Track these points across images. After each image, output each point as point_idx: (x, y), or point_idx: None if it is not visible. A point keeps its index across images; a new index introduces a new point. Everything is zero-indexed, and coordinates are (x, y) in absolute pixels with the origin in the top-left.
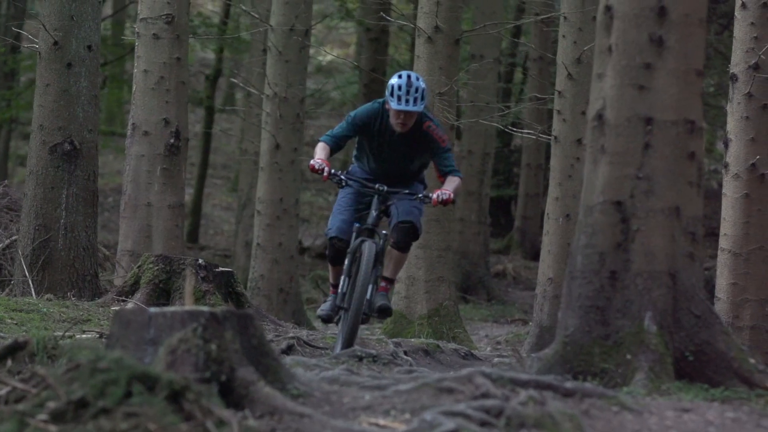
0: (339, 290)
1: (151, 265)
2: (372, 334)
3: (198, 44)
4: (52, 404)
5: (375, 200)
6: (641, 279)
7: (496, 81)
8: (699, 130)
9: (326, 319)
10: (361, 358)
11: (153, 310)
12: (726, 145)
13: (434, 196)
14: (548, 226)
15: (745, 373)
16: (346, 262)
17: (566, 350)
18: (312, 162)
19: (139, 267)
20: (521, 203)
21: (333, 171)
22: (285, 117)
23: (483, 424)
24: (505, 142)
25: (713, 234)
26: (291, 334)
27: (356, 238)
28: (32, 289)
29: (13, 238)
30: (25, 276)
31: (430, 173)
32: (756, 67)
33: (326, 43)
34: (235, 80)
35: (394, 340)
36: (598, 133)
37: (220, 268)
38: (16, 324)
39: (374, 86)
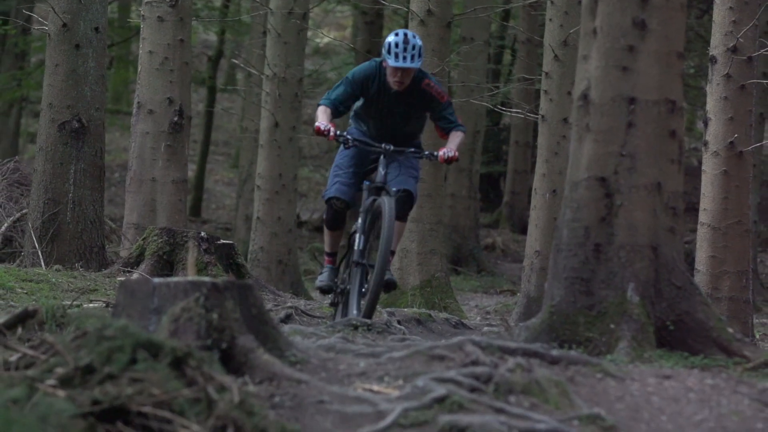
0: (355, 247)
1: (155, 238)
2: None
3: (201, 26)
4: (60, 370)
5: (382, 159)
6: (624, 252)
7: (485, 62)
8: (680, 109)
9: (326, 290)
10: (356, 327)
11: (157, 280)
12: (705, 124)
13: (440, 153)
14: (535, 201)
15: (723, 342)
16: (360, 220)
17: (552, 320)
18: (317, 124)
19: (143, 239)
20: (510, 179)
21: (338, 132)
22: (284, 96)
23: (473, 390)
24: (494, 121)
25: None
26: (289, 304)
27: (368, 197)
28: (42, 261)
29: (24, 211)
30: (35, 248)
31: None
32: (734, 50)
33: (323, 26)
34: (236, 61)
35: (388, 309)
36: (584, 112)
37: (222, 241)
38: (26, 293)
39: None
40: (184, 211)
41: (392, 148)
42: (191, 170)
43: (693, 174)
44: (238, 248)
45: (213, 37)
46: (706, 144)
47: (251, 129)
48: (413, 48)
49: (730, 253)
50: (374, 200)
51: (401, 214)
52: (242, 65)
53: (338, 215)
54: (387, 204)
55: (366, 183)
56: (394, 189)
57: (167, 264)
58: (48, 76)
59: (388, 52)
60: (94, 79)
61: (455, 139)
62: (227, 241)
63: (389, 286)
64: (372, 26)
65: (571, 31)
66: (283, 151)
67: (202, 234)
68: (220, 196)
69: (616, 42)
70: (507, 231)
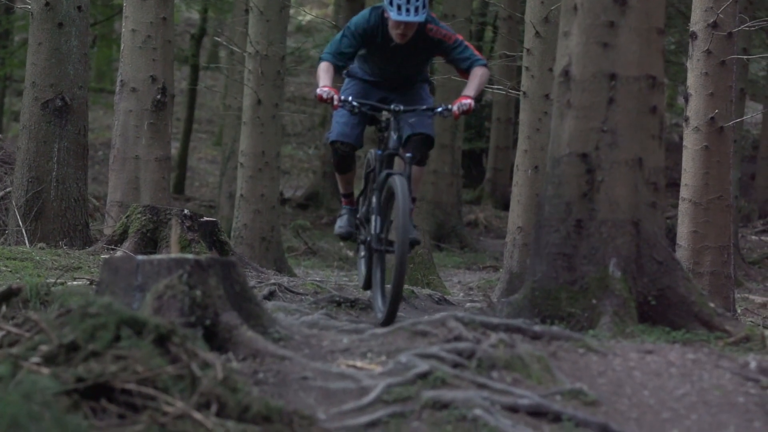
0: (372, 230)
1: (139, 216)
2: (350, 280)
3: (183, 5)
4: (44, 347)
5: (392, 121)
6: (606, 227)
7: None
8: (660, 85)
9: (346, 236)
10: (339, 303)
11: (140, 258)
12: (686, 100)
13: (454, 108)
14: (517, 178)
15: (705, 316)
16: (374, 198)
17: (535, 295)
18: (318, 91)
19: (127, 217)
20: (492, 156)
21: (342, 98)
22: (266, 74)
23: (455, 365)
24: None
25: (674, 184)
26: (272, 281)
27: (380, 170)
28: (26, 239)
29: (8, 189)
30: (19, 226)
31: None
32: (714, 26)
33: (306, 4)
34: (218, 39)
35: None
36: (565, 88)
37: (205, 218)
38: (10, 271)
39: None
40: (168, 188)
41: (402, 108)
42: (174, 148)
43: (674, 149)
44: (222, 226)
45: (195, 15)
46: (687, 119)
47: (234, 107)
48: None
49: (711, 228)
50: (389, 175)
51: (420, 158)
52: (225, 43)
53: (345, 159)
54: (399, 185)
55: (377, 153)
56: (410, 133)
57: (151, 241)
58: (31, 54)
59: (390, 3)
60: (77, 57)
61: (474, 80)
62: (211, 219)
63: (414, 244)
64: (354, 3)
65: (552, 7)
66: (266, 128)
67: (186, 211)
68: (204, 174)
69: (597, 18)
70: (489, 207)
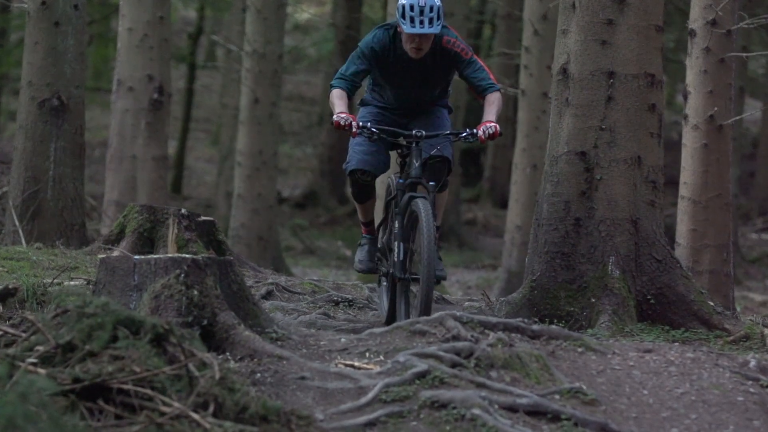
0: (395, 258)
1: (136, 215)
2: (348, 279)
3: (180, 3)
4: (41, 348)
5: (414, 149)
6: (604, 226)
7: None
8: (659, 83)
9: (366, 272)
10: (337, 303)
11: (137, 257)
12: (685, 98)
13: (480, 132)
14: (516, 176)
15: (704, 315)
16: (396, 224)
17: (533, 294)
18: (335, 118)
19: (124, 217)
20: (490, 154)
21: (361, 123)
22: (263, 73)
23: (454, 365)
24: (474, 96)
25: (673, 182)
26: (270, 280)
27: (402, 196)
28: (22, 238)
29: (4, 189)
30: (15, 226)
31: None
32: (713, 23)
33: (303, 2)
34: (215, 38)
35: (369, 285)
36: (563, 86)
37: (202, 218)
38: (6, 272)
39: (349, 43)
40: (165, 188)
41: (424, 134)
42: (171, 147)
43: (673, 147)
44: (219, 225)
45: (193, 14)
46: (686, 117)
47: (231, 106)
48: (431, 10)
49: (710, 226)
50: (412, 198)
51: (440, 184)
52: (222, 42)
53: (366, 188)
54: (423, 209)
55: (399, 181)
56: (425, 154)
57: (148, 241)
58: (27, 53)
59: (402, 16)
60: (73, 56)
61: (492, 106)
62: (208, 218)
63: (439, 280)
64: (351, 2)
65: (551, 5)
66: (263, 127)
67: (183, 211)
68: (201, 173)
69: (595, 16)
70: (488, 206)
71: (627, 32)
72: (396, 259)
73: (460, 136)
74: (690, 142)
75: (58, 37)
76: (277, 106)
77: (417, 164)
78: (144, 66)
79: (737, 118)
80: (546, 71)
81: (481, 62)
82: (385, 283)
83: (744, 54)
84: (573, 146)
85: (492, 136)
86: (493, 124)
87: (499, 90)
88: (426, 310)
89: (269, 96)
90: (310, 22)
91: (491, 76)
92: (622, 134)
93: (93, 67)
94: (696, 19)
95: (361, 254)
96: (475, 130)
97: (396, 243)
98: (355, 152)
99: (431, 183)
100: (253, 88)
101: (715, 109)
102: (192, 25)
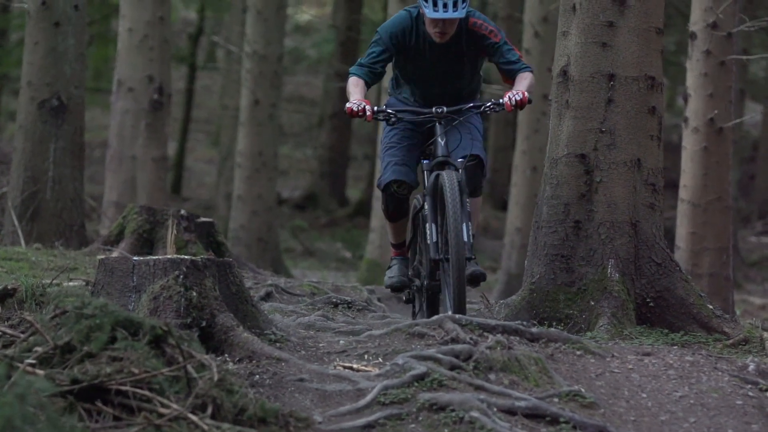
0: (429, 240)
1: (135, 216)
2: (347, 281)
3: (180, 4)
4: (39, 349)
5: (437, 127)
6: (604, 228)
7: None
8: (659, 85)
9: (398, 288)
10: (336, 305)
11: (136, 258)
12: (685, 101)
13: (505, 100)
14: (516, 178)
15: (703, 318)
16: (427, 206)
17: (533, 297)
18: (348, 105)
19: (124, 217)
20: (490, 156)
21: (376, 108)
22: (264, 74)
23: (452, 367)
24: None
25: (673, 185)
26: (269, 282)
27: (429, 176)
28: (21, 239)
29: (3, 190)
30: (15, 226)
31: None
32: (714, 26)
33: (303, 3)
34: (216, 38)
35: (368, 287)
36: (563, 88)
37: (202, 219)
38: (5, 272)
39: (350, 45)
40: (165, 189)
41: (445, 110)
42: (171, 148)
43: (673, 150)
44: (219, 226)
45: (193, 15)
46: (686, 120)
47: (231, 107)
48: None
49: (710, 229)
50: (438, 176)
51: (474, 188)
52: (222, 43)
53: (401, 203)
54: (447, 179)
55: (425, 162)
56: (459, 159)
57: (147, 242)
58: (27, 54)
59: (425, 0)
60: (73, 56)
61: (522, 81)
62: (207, 219)
63: (475, 279)
64: (352, 3)
65: (551, 7)
66: (263, 128)
67: (183, 212)
68: (201, 174)
69: (596, 18)
70: (488, 208)
71: (627, 34)
72: (429, 241)
73: (485, 106)
74: (690, 144)
75: (58, 37)
76: (277, 108)
77: (442, 143)
78: (144, 66)
79: (737, 121)
80: (546, 73)
81: (511, 45)
82: (423, 299)
83: (744, 57)
84: (573, 148)
85: (520, 103)
86: (520, 90)
87: (531, 71)
88: (459, 299)
89: (269, 97)
90: (311, 23)
91: (522, 59)
92: (622, 137)
93: (93, 68)
94: (696, 21)
95: (391, 272)
96: (500, 100)
97: (428, 225)
98: (388, 164)
99: (460, 159)
100: (253, 90)
101: (716, 111)
102: (192, 25)
